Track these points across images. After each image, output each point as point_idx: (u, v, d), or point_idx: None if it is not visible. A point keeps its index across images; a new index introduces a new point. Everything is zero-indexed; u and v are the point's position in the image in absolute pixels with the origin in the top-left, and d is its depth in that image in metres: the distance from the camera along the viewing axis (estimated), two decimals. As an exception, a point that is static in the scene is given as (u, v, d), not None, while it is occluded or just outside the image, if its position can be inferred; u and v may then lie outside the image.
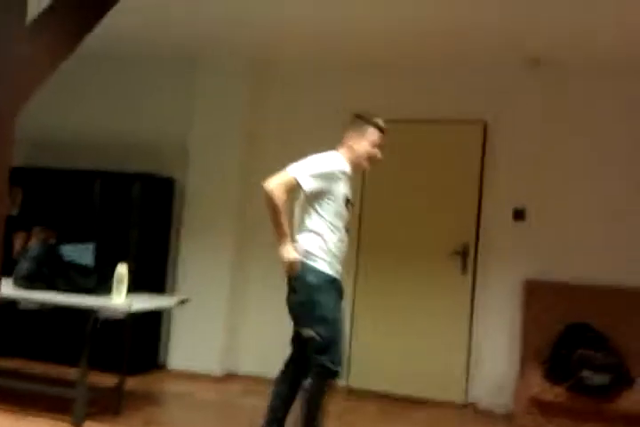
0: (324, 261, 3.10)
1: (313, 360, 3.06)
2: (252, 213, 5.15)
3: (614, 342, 3.99)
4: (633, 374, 3.74)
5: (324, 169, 3.10)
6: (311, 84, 5.14)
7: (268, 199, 3.00)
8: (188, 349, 5.07)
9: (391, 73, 4.94)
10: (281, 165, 5.11)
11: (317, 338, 3.03)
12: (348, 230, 3.25)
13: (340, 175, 3.13)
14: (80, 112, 5.68)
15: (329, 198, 3.09)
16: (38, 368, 4.77)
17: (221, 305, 5.05)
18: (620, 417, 3.65)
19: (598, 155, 4.53)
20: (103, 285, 3.83)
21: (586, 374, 3.67)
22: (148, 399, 4.34)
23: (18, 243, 5.17)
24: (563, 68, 4.56)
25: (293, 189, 3.06)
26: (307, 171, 3.06)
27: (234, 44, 4.88)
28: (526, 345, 4.37)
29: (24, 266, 3.94)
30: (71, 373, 3.95)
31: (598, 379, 3.66)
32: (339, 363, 3.05)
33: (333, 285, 3.13)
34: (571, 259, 4.50)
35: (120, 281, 3.65)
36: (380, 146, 3.31)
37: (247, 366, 5.10)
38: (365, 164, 3.31)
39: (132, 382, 4.36)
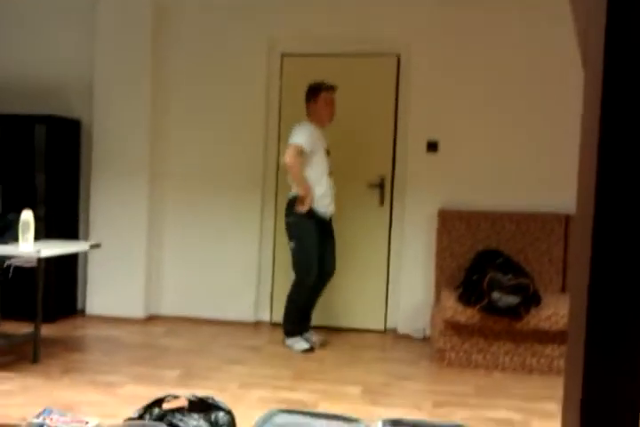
0: None
1: None
2: (162, 153, 5.01)
3: (523, 265, 4.19)
4: (541, 294, 3.96)
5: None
6: (219, 23, 4.92)
7: (289, 168, 4.18)
8: (108, 294, 4.98)
9: (308, 6, 4.79)
10: (191, 103, 5.02)
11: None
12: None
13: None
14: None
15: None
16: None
17: (139, 249, 4.96)
18: (529, 334, 3.88)
19: (506, 87, 4.60)
20: (9, 232, 3.66)
21: (496, 295, 3.85)
22: (68, 346, 4.26)
23: None
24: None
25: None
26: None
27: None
28: (441, 272, 4.54)
29: None
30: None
31: (508, 299, 3.84)
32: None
33: None
34: (481, 188, 4.64)
35: (26, 228, 3.50)
36: (331, 102, 4.26)
37: (168, 307, 5.08)
38: (326, 120, 4.29)
39: (50, 330, 4.27)
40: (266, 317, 4.99)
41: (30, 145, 4.82)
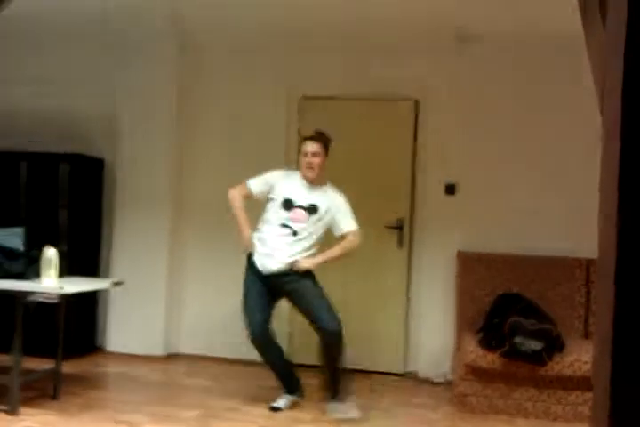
0: None
1: None
2: (186, 193, 5.09)
3: (545, 309, 4.14)
4: (564, 339, 3.90)
5: None
6: (243, 64, 5.06)
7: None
8: (127, 331, 4.99)
9: (325, 52, 4.90)
10: (212, 142, 5.11)
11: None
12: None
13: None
14: (2, 91, 5.43)
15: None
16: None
17: (159, 286, 4.99)
18: (553, 380, 3.82)
19: (525, 130, 4.64)
20: (32, 268, 3.72)
21: (518, 340, 3.80)
22: (87, 383, 4.26)
23: (-59, 229, 4.94)
24: (489, 44, 4.63)
25: None
26: None
27: (160, 18, 4.76)
28: (461, 315, 4.49)
29: (-52, 252, 3.78)
30: (4, 360, 3.83)
31: (530, 345, 3.79)
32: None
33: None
34: (500, 231, 4.62)
35: (48, 264, 3.55)
36: (304, 153, 3.87)
37: (189, 346, 5.06)
38: (304, 172, 3.87)
39: (69, 367, 4.27)
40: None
41: (54, 183, 4.92)
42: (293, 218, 3.76)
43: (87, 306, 5.05)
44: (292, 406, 3.83)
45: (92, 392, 4.03)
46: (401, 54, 4.80)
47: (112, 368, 4.68)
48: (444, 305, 4.66)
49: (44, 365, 3.97)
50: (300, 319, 4.87)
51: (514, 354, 3.80)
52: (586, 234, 4.38)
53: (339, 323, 3.68)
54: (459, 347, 4.27)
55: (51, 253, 3.56)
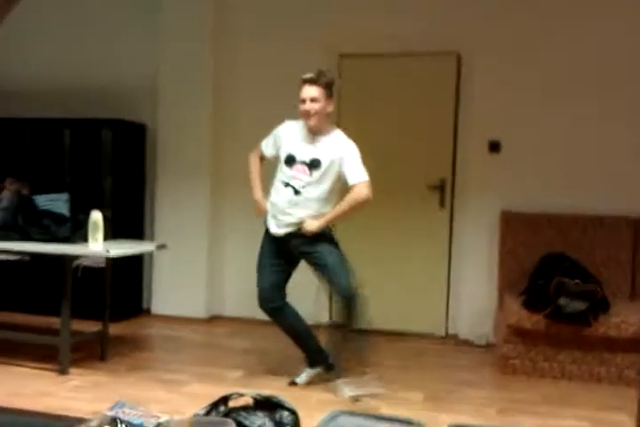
0: None
1: None
2: (227, 157, 5.09)
3: (590, 270, 4.06)
4: (609, 300, 3.82)
5: None
6: (280, 25, 4.98)
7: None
8: (172, 294, 5.09)
9: (364, 7, 4.80)
10: (253, 108, 5.08)
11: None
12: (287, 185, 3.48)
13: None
14: (44, 57, 5.47)
15: None
16: (22, 319, 4.77)
17: (202, 250, 5.04)
18: (597, 342, 3.75)
19: (573, 86, 4.48)
20: (78, 233, 3.78)
21: (563, 301, 3.74)
22: (134, 344, 4.38)
23: (-11, 195, 5.06)
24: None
25: None
26: None
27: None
28: (504, 276, 4.44)
29: (-3, 217, 3.87)
30: (54, 322, 3.94)
31: (575, 305, 3.73)
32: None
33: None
34: (546, 190, 4.52)
35: (95, 228, 3.60)
36: (301, 99, 3.45)
37: (231, 308, 5.14)
38: (305, 121, 3.47)
39: (116, 329, 4.38)
40: (325, 318, 4.99)
41: (97, 149, 4.98)
42: (295, 176, 3.43)
43: (133, 270, 5.16)
44: (317, 380, 3.56)
45: (138, 353, 4.14)
46: (442, 7, 4.65)
47: (157, 330, 4.79)
48: (486, 266, 4.61)
49: (92, 327, 4.08)
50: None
51: (558, 315, 3.75)
52: (633, 193, 4.32)
53: (353, 289, 3.41)
54: (501, 309, 4.23)
55: (97, 217, 3.61)
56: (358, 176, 3.40)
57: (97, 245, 3.57)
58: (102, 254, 3.57)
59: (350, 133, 4.84)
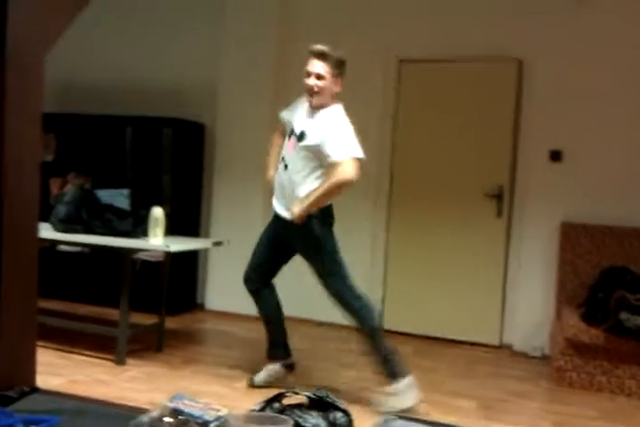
0: None
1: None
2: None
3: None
4: (672, 317, 3.70)
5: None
6: (341, 27, 5.00)
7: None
8: (226, 290, 5.16)
9: (426, 13, 4.78)
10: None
11: None
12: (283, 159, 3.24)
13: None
14: (110, 56, 5.64)
15: None
16: (81, 310, 4.91)
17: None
18: (657, 359, 3.64)
19: (638, 93, 4.36)
20: (139, 227, 3.87)
21: (624, 315, 3.64)
22: (188, 338, 4.46)
23: (54, 188, 5.24)
24: (607, 4, 4.35)
25: None
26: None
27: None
28: (562, 288, 4.35)
29: (62, 210, 3.98)
30: (112, 313, 4.04)
31: (636, 320, 3.62)
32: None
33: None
34: (608, 201, 4.40)
35: (156, 223, 3.68)
36: (306, 73, 3.17)
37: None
38: (307, 96, 3.20)
39: (171, 322, 4.46)
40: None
41: (158, 146, 5.09)
42: (286, 148, 3.21)
43: (188, 265, 5.25)
44: (276, 378, 3.37)
45: (192, 347, 4.21)
46: (504, 13, 4.59)
47: (211, 325, 4.86)
48: (543, 277, 4.52)
49: (148, 320, 4.17)
50: (392, 283, 4.90)
51: (618, 330, 3.65)
52: None
53: (334, 290, 3.21)
54: (558, 321, 4.14)
55: (158, 213, 3.69)
56: (342, 153, 3.01)
57: (157, 240, 3.65)
58: (162, 249, 3.64)
59: (409, 138, 4.87)
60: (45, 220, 3.91)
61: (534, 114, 4.56)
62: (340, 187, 3.02)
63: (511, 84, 4.60)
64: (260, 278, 3.43)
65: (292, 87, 5.15)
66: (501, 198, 4.64)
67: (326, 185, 3.03)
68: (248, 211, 5.12)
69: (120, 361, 3.66)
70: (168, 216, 4.73)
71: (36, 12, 2.07)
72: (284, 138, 3.36)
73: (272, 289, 3.49)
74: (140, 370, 3.59)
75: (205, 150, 5.38)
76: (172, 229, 4.64)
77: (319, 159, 3.10)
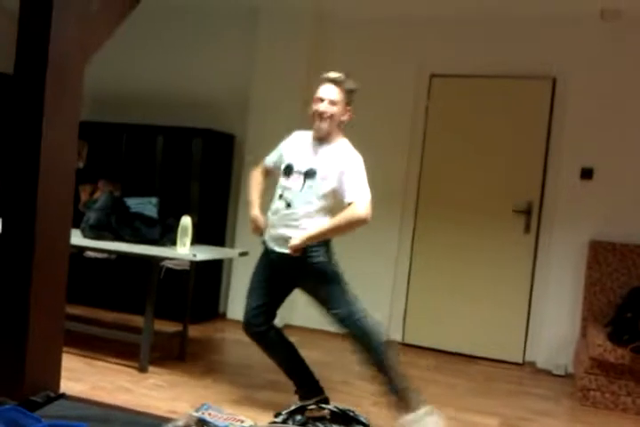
0: None
1: None
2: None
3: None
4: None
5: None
6: (373, 41, 5.03)
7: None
8: (248, 301, 5.17)
9: (459, 28, 4.79)
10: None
11: None
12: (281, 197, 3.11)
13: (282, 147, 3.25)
14: (143, 66, 5.73)
15: None
16: (105, 316, 4.96)
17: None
18: (684, 381, 3.58)
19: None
20: (167, 236, 3.91)
21: (652, 336, 3.59)
22: (210, 347, 4.48)
23: (84, 195, 5.31)
24: (638, 23, 4.32)
25: None
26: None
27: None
28: (589, 307, 4.29)
29: (92, 216, 4.04)
30: (137, 320, 4.08)
31: (665, 342, 3.57)
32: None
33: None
34: (638, 220, 4.35)
35: (184, 232, 3.72)
36: (318, 98, 3.08)
37: (301, 318, 5.18)
38: (315, 123, 3.09)
39: (194, 331, 4.49)
40: (398, 336, 4.95)
41: (188, 156, 5.15)
42: (288, 186, 3.05)
43: (212, 274, 5.28)
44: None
45: (214, 356, 4.23)
46: (539, 30, 4.58)
47: (232, 335, 4.87)
48: (569, 295, 4.47)
49: (169, 327, 4.20)
50: (415, 297, 4.87)
51: (646, 351, 3.59)
52: None
53: (353, 318, 3.05)
54: (584, 340, 4.08)
55: (187, 222, 3.72)
56: (358, 193, 2.93)
57: (184, 249, 3.68)
58: (189, 258, 3.67)
59: (439, 152, 4.87)
60: (74, 226, 3.97)
61: (566, 131, 4.53)
62: (353, 224, 2.93)
63: (544, 101, 4.58)
64: (262, 321, 3.20)
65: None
66: (530, 214, 4.61)
67: (340, 220, 2.94)
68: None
69: (143, 368, 3.69)
70: (195, 225, 4.79)
71: (77, 25, 2.12)
72: (266, 176, 3.33)
73: (277, 330, 3.27)
74: (162, 378, 3.61)
75: (234, 161, 5.43)
76: (198, 238, 4.69)
77: (325, 198, 3.01)
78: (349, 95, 3.09)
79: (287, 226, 3.04)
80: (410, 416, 2.93)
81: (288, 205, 3.03)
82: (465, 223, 4.76)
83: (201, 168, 5.15)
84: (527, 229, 4.61)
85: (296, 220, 3.02)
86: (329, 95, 3.04)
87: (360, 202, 2.91)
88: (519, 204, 4.62)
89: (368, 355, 3.03)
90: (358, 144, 5.19)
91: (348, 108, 3.11)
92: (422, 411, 2.93)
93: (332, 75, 3.08)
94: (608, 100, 4.43)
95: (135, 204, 4.72)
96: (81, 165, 5.43)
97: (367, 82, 5.02)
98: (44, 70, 2.03)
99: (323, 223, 2.97)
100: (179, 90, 5.58)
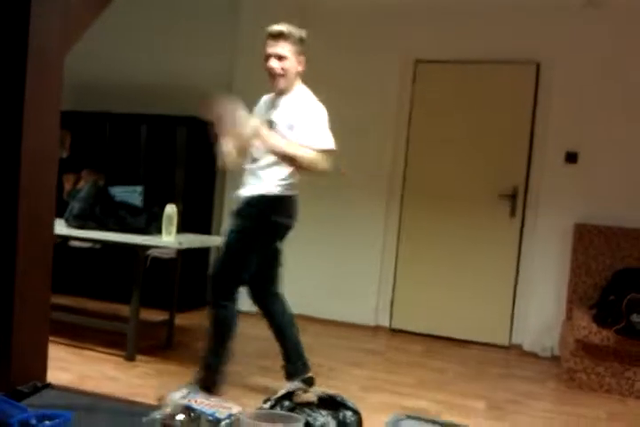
0: None
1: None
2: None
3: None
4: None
5: None
6: (356, 28, 5.00)
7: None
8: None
9: (444, 13, 4.76)
10: (329, 108, 5.12)
11: None
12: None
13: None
14: (125, 55, 5.66)
15: None
16: (91, 305, 4.94)
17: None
18: (669, 361, 3.63)
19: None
20: (152, 224, 3.89)
21: (636, 318, 3.63)
22: (197, 335, 4.44)
23: (67, 184, 5.27)
24: (622, 9, 4.32)
25: None
26: None
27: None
28: (574, 289, 4.33)
29: (76, 206, 4.01)
30: (123, 309, 4.06)
31: (648, 323, 3.61)
32: None
33: None
34: (623, 203, 4.39)
35: (169, 220, 3.70)
36: (268, 55, 3.00)
37: (291, 305, 5.16)
38: (271, 80, 3.04)
39: (181, 319, 4.48)
40: (385, 322, 4.98)
41: (172, 144, 5.11)
42: (254, 143, 2.98)
43: (199, 262, 5.26)
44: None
45: (201, 344, 4.20)
46: (523, 15, 4.57)
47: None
48: (554, 278, 4.50)
49: (157, 316, 4.19)
50: (402, 283, 4.90)
51: (629, 332, 3.64)
52: None
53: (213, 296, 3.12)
54: (569, 322, 4.12)
55: (172, 210, 3.70)
56: (316, 142, 2.84)
57: (170, 237, 3.67)
58: (175, 247, 3.66)
59: (424, 137, 4.87)
60: (58, 215, 3.93)
61: (551, 116, 4.54)
62: (308, 165, 2.84)
63: (528, 86, 4.59)
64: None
65: (306, 84, 5.16)
66: (515, 199, 4.63)
67: (305, 152, 2.81)
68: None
69: (130, 357, 3.68)
70: (180, 213, 4.77)
71: (57, 13, 2.09)
72: None
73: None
74: (149, 366, 3.61)
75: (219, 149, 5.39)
76: (183, 227, 4.67)
77: None
78: (299, 45, 3.01)
79: (253, 178, 3.05)
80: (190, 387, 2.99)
81: (254, 160, 3.04)
82: (451, 208, 4.77)
83: (186, 156, 5.11)
84: (512, 213, 4.63)
85: (259, 171, 3.00)
86: (276, 50, 2.97)
87: (321, 153, 2.84)
88: (505, 188, 4.64)
89: (212, 327, 3.12)
90: (344, 130, 5.19)
91: (301, 57, 3.03)
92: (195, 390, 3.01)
93: (276, 28, 2.99)
94: (592, 85, 4.44)
95: (120, 192, 4.69)
96: (64, 154, 5.37)
97: (352, 69, 5.04)
98: (25, 60, 1.99)
99: (292, 146, 2.84)
100: (162, 78, 5.52)
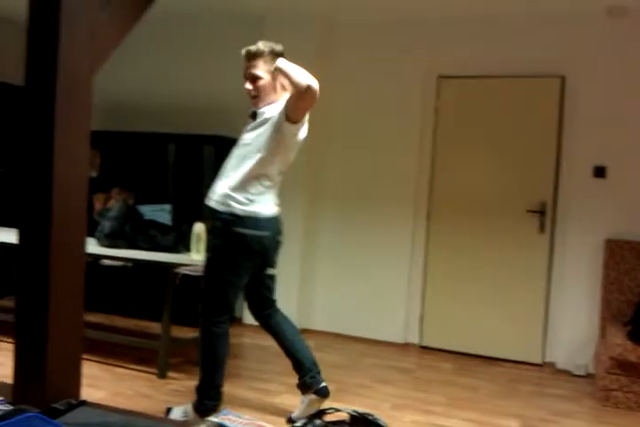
0: None
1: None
2: (320, 176, 5.16)
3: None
4: None
5: None
6: (380, 43, 5.04)
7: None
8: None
9: (467, 28, 4.78)
10: (351, 125, 5.16)
11: None
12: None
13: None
14: (152, 75, 5.76)
15: None
16: (122, 323, 4.99)
17: (293, 265, 5.11)
18: None
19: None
20: (181, 243, 3.93)
21: (672, 334, 3.55)
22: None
23: (97, 204, 5.35)
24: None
25: None
26: None
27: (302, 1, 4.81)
28: (607, 306, 4.25)
29: (107, 225, 4.07)
30: (154, 327, 4.09)
31: (685, 340, 3.53)
32: None
33: None
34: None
35: (198, 239, 3.73)
36: (245, 75, 3.10)
37: (319, 322, 5.19)
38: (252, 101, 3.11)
39: (210, 337, 4.49)
40: (415, 339, 4.94)
41: (199, 163, 5.17)
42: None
43: (227, 280, 5.29)
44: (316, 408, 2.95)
45: (231, 361, 4.20)
46: (545, 29, 4.56)
47: (248, 340, 4.88)
48: (587, 295, 4.43)
49: (186, 333, 4.21)
50: (431, 299, 4.86)
51: (666, 350, 3.55)
52: None
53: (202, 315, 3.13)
54: (603, 339, 4.05)
55: (200, 229, 3.74)
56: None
57: (199, 256, 3.70)
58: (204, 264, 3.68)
59: (451, 153, 4.86)
60: (89, 234, 3.99)
61: (578, 130, 4.50)
62: (307, 86, 2.94)
63: (554, 100, 4.55)
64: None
65: (331, 105, 5.20)
66: (544, 214, 4.58)
67: (302, 72, 2.95)
68: (287, 228, 5.13)
69: (162, 374, 3.70)
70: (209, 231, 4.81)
71: (84, 36, 2.14)
72: None
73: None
74: (180, 383, 3.62)
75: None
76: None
77: (266, 137, 3.06)
78: (272, 59, 3.03)
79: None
80: (185, 409, 3.04)
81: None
82: (479, 224, 4.74)
83: (213, 175, 5.15)
84: (542, 228, 4.58)
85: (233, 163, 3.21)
86: (249, 71, 3.06)
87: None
88: (533, 204, 4.60)
89: (202, 345, 3.12)
90: (368, 146, 5.25)
91: (274, 73, 3.06)
92: (193, 414, 3.01)
93: (245, 49, 3.06)
94: (618, 97, 4.40)
95: (149, 211, 4.75)
96: (94, 174, 5.47)
97: (375, 85, 5.08)
98: (54, 81, 2.05)
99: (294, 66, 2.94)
100: (189, 98, 5.60)
